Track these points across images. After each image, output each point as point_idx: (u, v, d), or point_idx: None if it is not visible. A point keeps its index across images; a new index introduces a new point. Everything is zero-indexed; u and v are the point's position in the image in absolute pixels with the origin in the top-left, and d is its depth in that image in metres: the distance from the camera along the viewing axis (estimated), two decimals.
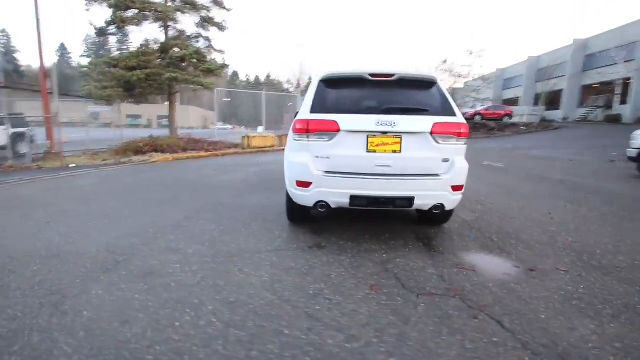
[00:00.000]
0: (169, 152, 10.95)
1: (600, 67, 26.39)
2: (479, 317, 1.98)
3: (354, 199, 2.79)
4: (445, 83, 31.97)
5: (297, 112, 5.40)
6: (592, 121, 26.11)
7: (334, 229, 3.45)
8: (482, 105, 26.45)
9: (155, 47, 12.63)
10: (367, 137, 2.77)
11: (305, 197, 2.91)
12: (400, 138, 2.76)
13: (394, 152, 2.77)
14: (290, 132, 3.13)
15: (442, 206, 2.87)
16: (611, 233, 3.52)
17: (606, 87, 26.34)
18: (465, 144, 2.90)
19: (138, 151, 10.55)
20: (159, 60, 12.12)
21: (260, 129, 19.30)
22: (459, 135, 2.81)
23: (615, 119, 23.58)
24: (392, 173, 2.80)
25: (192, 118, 50.48)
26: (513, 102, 35.41)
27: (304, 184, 2.87)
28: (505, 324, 1.91)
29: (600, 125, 22.52)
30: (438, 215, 3.31)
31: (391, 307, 2.08)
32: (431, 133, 2.76)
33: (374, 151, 2.78)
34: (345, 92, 2.98)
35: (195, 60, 12.36)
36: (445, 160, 2.84)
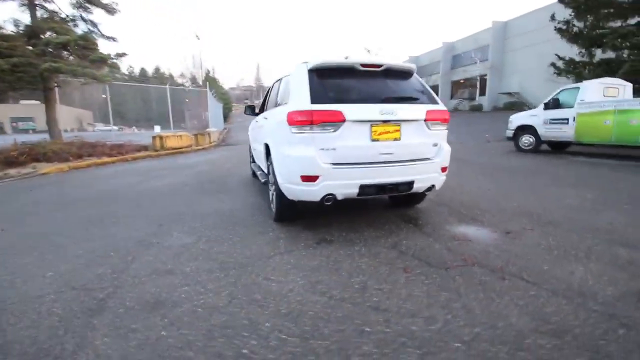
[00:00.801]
0: (58, 160, 8.85)
1: (465, 66, 32.17)
2: (505, 278, 2.26)
3: (363, 188, 2.81)
4: None
5: (250, 106, 5.12)
6: (461, 110, 31.71)
7: (325, 224, 3.39)
8: None
9: (19, 30, 9.88)
10: (371, 126, 2.80)
11: (312, 192, 2.79)
12: (400, 126, 2.89)
13: (395, 139, 2.88)
14: (283, 125, 2.92)
15: (433, 187, 3.12)
16: (536, 198, 4.41)
17: (469, 82, 32.31)
18: (447, 129, 3.21)
19: (12, 163, 8.22)
20: (30, 47, 9.53)
21: (157, 128, 17.24)
22: (444, 121, 3.09)
23: (478, 109, 29.23)
24: (393, 160, 2.91)
25: (63, 118, 41.43)
26: None
27: (310, 178, 2.75)
28: (527, 279, 2.23)
29: (468, 114, 27.57)
30: (417, 197, 3.60)
31: (435, 284, 2.20)
32: (425, 120, 2.97)
33: (377, 140, 2.84)
34: (339, 81, 2.93)
35: (80, 48, 10.17)
36: (435, 145, 3.09)
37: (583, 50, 13.33)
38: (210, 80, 41.99)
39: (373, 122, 2.80)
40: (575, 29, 13.01)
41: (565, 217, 3.53)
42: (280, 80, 4.05)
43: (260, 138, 4.08)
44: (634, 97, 8.47)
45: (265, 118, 3.85)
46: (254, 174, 5.88)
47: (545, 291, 2.07)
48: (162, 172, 7.36)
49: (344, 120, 2.72)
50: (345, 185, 2.78)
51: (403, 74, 3.22)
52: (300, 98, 2.86)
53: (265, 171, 3.96)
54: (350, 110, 2.73)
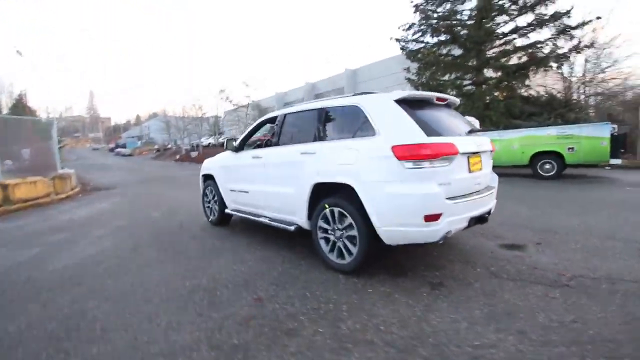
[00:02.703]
0: None
1: None
2: (586, 283, 2.64)
3: (470, 220, 2.75)
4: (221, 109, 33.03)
5: (231, 140, 4.25)
6: None
7: (396, 264, 3.15)
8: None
9: None
10: (468, 158, 2.82)
11: (433, 232, 2.53)
12: (481, 157, 3.02)
13: (479, 170, 2.99)
14: (382, 161, 2.58)
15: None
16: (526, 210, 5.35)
17: None
18: None
19: None
20: None
21: None
22: (493, 150, 3.41)
23: None
24: (481, 189, 3.00)
25: None
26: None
27: (434, 217, 2.51)
28: (600, 283, 2.66)
29: None
30: None
31: (544, 300, 2.38)
32: (491, 151, 3.21)
33: (472, 171, 2.88)
34: (426, 114, 2.84)
35: None
36: (491, 173, 3.37)
37: None
38: (20, 108, 32.15)
39: (470, 154, 2.83)
40: (422, 79, 16.94)
41: (570, 227, 4.43)
42: (298, 112, 3.58)
43: (292, 177, 3.41)
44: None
45: (305, 153, 3.26)
46: (218, 219, 4.99)
47: (623, 287, 2.53)
48: (39, 239, 4.98)
49: (457, 153, 2.64)
50: (460, 220, 2.67)
51: (454, 107, 3.41)
52: (402, 130, 2.62)
53: (303, 217, 3.32)
54: (459, 143, 2.68)
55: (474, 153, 2.92)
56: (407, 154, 2.51)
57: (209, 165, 5.18)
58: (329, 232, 3.10)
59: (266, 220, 3.89)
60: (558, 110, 14.92)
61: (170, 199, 8.29)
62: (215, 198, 5.01)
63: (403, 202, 2.53)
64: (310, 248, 3.71)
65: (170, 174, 17.24)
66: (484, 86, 16.07)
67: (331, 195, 3.07)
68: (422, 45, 17.53)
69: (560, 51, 14.29)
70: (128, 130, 77.80)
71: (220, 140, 32.59)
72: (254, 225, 4.89)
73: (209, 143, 34.26)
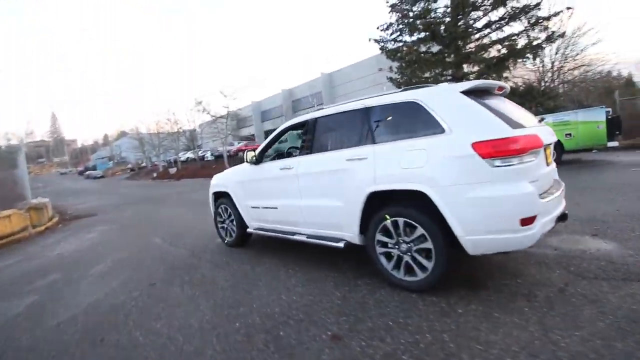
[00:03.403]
0: None
1: (305, 109, 36.13)
2: None
3: (557, 220, 2.48)
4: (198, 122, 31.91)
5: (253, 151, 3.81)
6: None
7: (461, 279, 2.81)
8: (239, 143, 28.78)
9: None
10: (544, 149, 2.54)
11: (529, 237, 2.23)
12: (550, 148, 2.76)
13: (549, 164, 2.73)
14: (469, 160, 2.26)
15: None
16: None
17: None
18: None
19: None
20: None
21: None
22: None
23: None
24: (554, 184, 2.74)
25: None
26: (250, 138, 40.98)
27: (530, 220, 2.21)
28: None
29: None
30: None
31: None
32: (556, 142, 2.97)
33: (549, 164, 2.61)
34: (494, 104, 2.54)
35: None
36: None
37: None
38: None
39: (546, 146, 2.56)
40: (405, 77, 17.00)
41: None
42: (334, 115, 3.21)
43: (337, 187, 3.02)
44: None
45: (353, 159, 2.88)
46: (237, 240, 4.52)
47: None
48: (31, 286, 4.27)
49: (542, 146, 2.35)
50: (550, 220, 2.39)
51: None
52: (480, 125, 2.31)
53: (354, 231, 2.95)
54: (541, 133, 2.40)
55: (548, 145, 2.65)
56: (494, 150, 2.19)
57: (222, 182, 4.67)
58: (391, 246, 2.73)
59: (303, 238, 3.47)
60: (538, 99, 15.38)
61: (165, 221, 7.62)
62: (232, 217, 4.51)
63: (494, 206, 2.21)
64: (357, 264, 3.34)
65: (153, 193, 16.25)
66: (464, 80, 16.35)
67: (391, 205, 2.70)
68: (401, 44, 17.65)
69: (535, 42, 14.74)
70: (97, 151, 74.00)
71: (201, 154, 31.49)
72: (278, 243, 4.43)
73: (188, 158, 33.03)
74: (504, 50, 15.31)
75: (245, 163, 4.22)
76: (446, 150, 2.36)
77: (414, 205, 2.55)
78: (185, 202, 11.07)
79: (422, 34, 16.60)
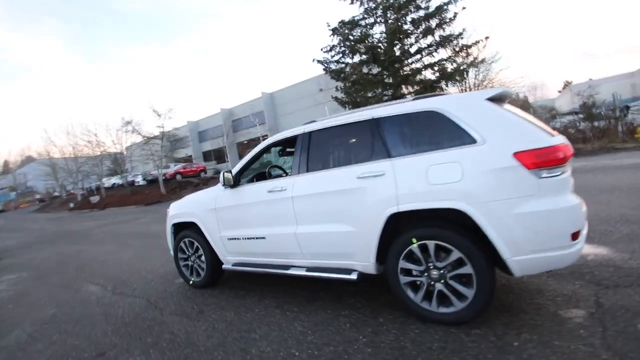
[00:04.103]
0: None
1: (246, 129, 35.17)
2: None
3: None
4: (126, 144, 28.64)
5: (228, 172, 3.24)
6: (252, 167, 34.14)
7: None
8: (176, 165, 26.49)
9: None
10: None
11: (576, 252, 2.07)
12: None
13: None
14: (513, 172, 2.05)
15: None
16: None
17: (254, 142, 35.50)
18: None
19: None
20: None
21: None
22: None
23: (267, 165, 32.52)
24: None
25: None
26: (187, 159, 38.28)
27: (578, 234, 2.05)
28: None
29: None
30: None
31: None
32: None
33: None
34: (515, 112, 2.41)
35: None
36: None
37: None
38: None
39: None
40: (351, 97, 17.51)
41: None
42: (335, 128, 2.84)
43: (346, 209, 2.60)
44: None
45: (366, 176, 2.50)
46: (207, 279, 3.77)
47: None
48: None
49: (573, 155, 2.25)
50: (586, 233, 2.26)
51: None
52: (517, 133, 2.14)
53: (370, 260, 2.55)
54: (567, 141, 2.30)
55: None
56: (539, 160, 2.01)
57: (185, 211, 3.89)
58: (417, 273, 2.38)
59: (300, 273, 2.94)
60: None
61: (97, 262, 6.24)
62: (200, 252, 3.75)
63: (546, 221, 2.00)
64: (365, 295, 2.93)
65: (72, 227, 13.75)
66: None
67: (417, 226, 2.37)
68: (344, 65, 18.29)
69: (462, 67, 16.45)
70: None
71: (130, 178, 28.19)
72: (255, 277, 3.79)
73: (114, 184, 29.32)
74: (437, 74, 16.75)
75: (218, 187, 3.56)
76: (483, 162, 2.12)
77: (448, 226, 2.26)
78: (117, 236, 9.41)
79: (364, 57, 17.43)
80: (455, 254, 2.21)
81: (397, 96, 17.54)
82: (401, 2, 16.45)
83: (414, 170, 2.33)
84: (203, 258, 3.73)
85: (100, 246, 8.10)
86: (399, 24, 16.39)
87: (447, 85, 16.66)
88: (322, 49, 18.18)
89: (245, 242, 3.32)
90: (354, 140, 2.75)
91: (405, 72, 17.49)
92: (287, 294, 3.28)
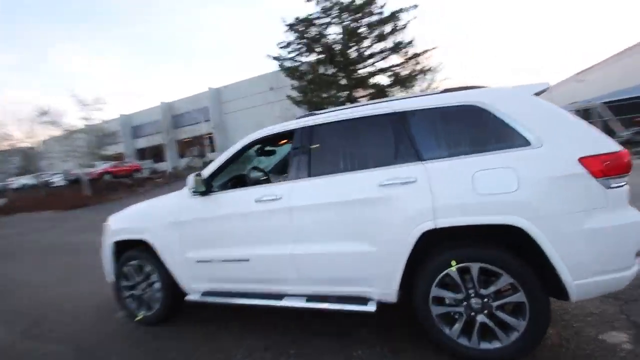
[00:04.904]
0: None
1: (189, 125, 32.57)
2: None
3: None
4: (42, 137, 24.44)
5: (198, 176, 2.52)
6: (195, 167, 31.72)
7: None
8: (104, 164, 23.26)
9: None
10: None
11: (632, 274, 1.81)
12: None
13: None
14: (578, 180, 1.73)
15: None
16: None
17: (198, 140, 33.03)
18: None
19: None
20: None
21: None
22: None
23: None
24: None
25: None
26: (117, 157, 34.20)
27: None
28: None
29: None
30: None
31: None
32: None
33: None
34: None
35: None
36: None
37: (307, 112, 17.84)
38: None
39: None
40: (307, 97, 17.05)
41: None
42: (345, 121, 2.31)
43: (363, 224, 2.09)
44: None
45: (391, 183, 2.00)
46: (162, 313, 2.94)
47: None
48: None
49: None
50: None
51: None
52: (576, 136, 1.83)
53: (393, 286, 2.07)
54: None
55: None
56: (606, 167, 1.71)
57: (132, 225, 2.99)
58: (454, 303, 1.96)
59: (298, 304, 2.33)
60: None
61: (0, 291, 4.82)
62: (153, 280, 2.90)
63: (615, 238, 1.71)
64: (379, 325, 2.45)
65: None
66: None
67: (455, 245, 1.95)
68: (299, 63, 17.81)
69: (414, 74, 17.08)
70: None
71: (46, 178, 24.07)
72: (229, 308, 3.05)
73: (24, 184, 24.81)
74: (392, 79, 17.16)
75: (181, 193, 2.78)
76: (543, 168, 1.77)
77: (492, 245, 1.87)
78: (28, 251, 7.60)
79: (320, 56, 17.16)
80: (505, 279, 1.83)
81: (352, 99, 17.60)
82: (357, 5, 16.54)
83: (455, 177, 1.90)
84: (157, 286, 2.90)
85: (4, 264, 6.40)
86: (356, 25, 16.44)
87: (400, 90, 17.13)
88: (278, 44, 17.52)
89: (220, 265, 2.59)
90: (371, 137, 2.24)
91: (360, 75, 17.62)
92: (277, 329, 2.63)
